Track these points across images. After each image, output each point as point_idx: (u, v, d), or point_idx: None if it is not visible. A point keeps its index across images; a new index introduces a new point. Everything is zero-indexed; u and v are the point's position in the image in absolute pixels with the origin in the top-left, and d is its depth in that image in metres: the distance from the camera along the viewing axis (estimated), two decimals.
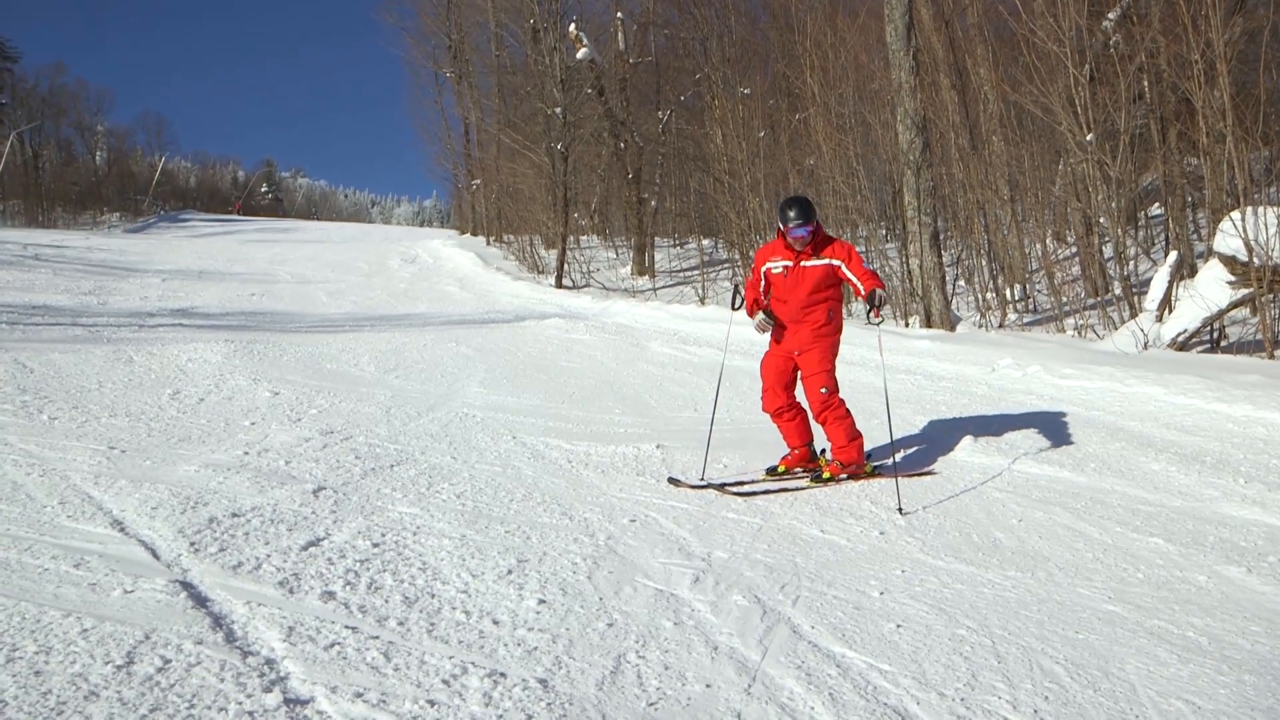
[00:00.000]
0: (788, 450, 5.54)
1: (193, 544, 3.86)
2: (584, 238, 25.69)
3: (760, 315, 5.42)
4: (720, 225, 19.62)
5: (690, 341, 11.44)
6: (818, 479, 5.27)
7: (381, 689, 2.70)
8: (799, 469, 5.47)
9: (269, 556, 3.75)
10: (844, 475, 5.29)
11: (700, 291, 17.76)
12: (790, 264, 5.29)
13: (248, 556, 3.74)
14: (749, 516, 4.59)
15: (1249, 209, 9.09)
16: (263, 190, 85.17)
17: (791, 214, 5.16)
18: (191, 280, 18.10)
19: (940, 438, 6.25)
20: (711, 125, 18.22)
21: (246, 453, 5.49)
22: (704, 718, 2.66)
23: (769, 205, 16.80)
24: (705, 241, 21.99)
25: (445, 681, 2.77)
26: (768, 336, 5.52)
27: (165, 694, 2.62)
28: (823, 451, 5.55)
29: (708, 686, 2.83)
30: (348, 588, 3.47)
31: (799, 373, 5.42)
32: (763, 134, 17.33)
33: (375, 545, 3.96)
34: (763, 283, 5.49)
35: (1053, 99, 11.73)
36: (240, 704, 2.57)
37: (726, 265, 20.06)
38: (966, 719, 2.68)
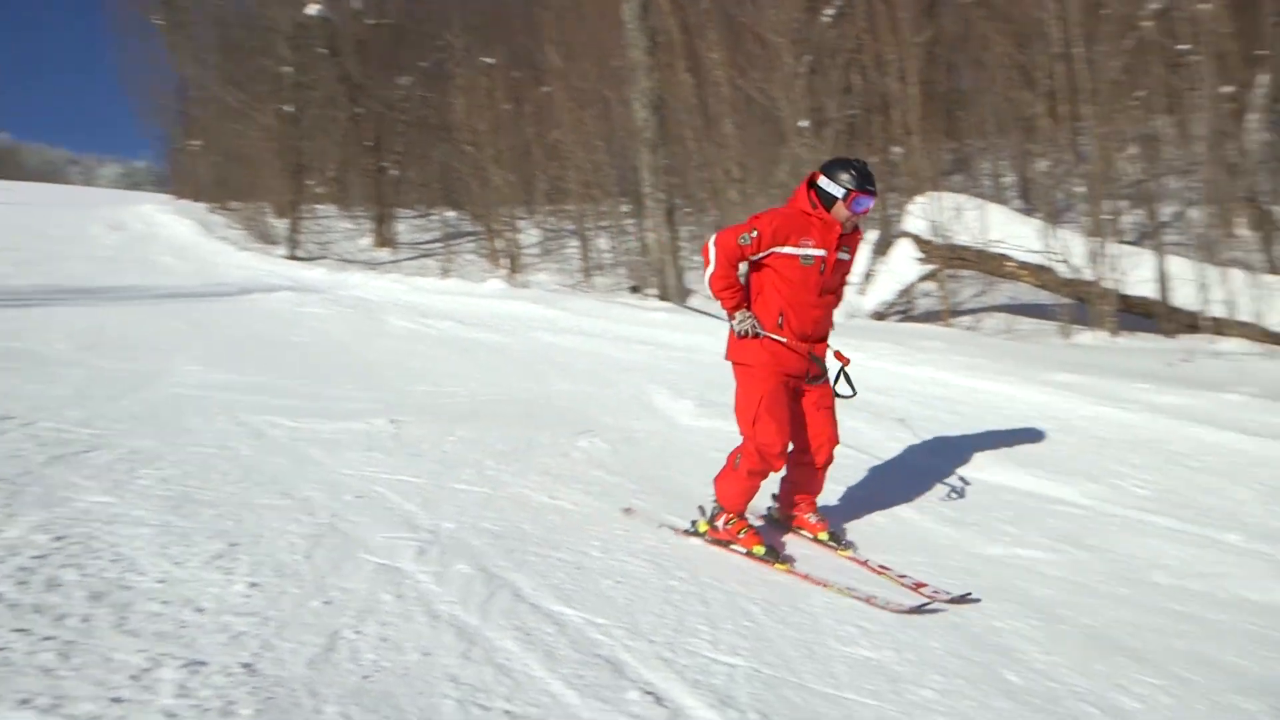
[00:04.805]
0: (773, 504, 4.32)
1: None
2: (320, 207, 24.29)
3: (750, 321, 3.93)
4: (464, 197, 19.34)
5: (430, 315, 11.20)
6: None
7: (55, 692, 2.46)
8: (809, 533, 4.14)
9: None
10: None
11: (444, 264, 17.44)
12: (825, 254, 3.75)
13: None
14: (479, 487, 4.60)
15: (932, 194, 10.29)
16: None
17: (860, 178, 3.67)
18: None
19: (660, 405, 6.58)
20: (454, 94, 17.84)
21: None
22: (419, 684, 2.65)
23: (513, 178, 16.73)
24: (449, 214, 21.58)
25: (133, 677, 2.57)
26: (754, 345, 3.97)
27: None
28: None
29: (425, 655, 2.83)
30: (20, 586, 3.10)
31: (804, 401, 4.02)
32: (507, 106, 17.22)
33: (57, 539, 3.56)
34: (744, 265, 3.90)
35: (774, 86, 12.60)
36: None
37: (471, 238, 19.83)
38: (672, 660, 2.87)
